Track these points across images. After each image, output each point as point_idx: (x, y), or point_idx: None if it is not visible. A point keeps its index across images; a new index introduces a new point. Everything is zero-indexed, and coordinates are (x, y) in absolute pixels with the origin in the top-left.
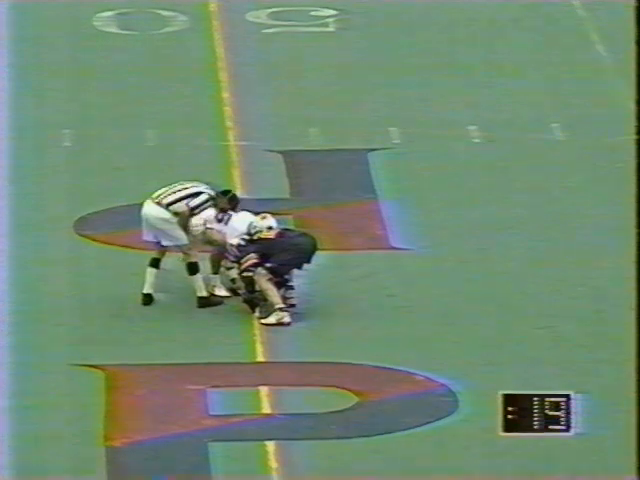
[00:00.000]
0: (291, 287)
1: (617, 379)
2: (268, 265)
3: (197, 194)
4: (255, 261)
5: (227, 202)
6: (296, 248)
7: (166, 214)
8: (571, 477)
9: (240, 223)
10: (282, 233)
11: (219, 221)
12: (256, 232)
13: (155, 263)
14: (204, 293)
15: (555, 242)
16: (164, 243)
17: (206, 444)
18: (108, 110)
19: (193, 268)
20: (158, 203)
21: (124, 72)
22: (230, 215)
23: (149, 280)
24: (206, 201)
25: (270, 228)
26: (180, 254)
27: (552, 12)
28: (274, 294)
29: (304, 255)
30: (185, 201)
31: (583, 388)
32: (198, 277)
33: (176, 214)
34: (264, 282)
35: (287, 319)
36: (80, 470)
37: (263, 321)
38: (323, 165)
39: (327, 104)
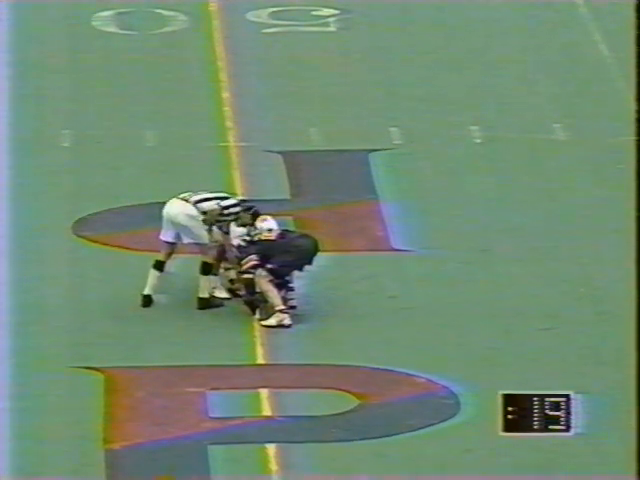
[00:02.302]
0: (291, 289)
1: (617, 379)
2: (269, 266)
3: (226, 198)
4: (255, 262)
5: (250, 217)
6: (297, 249)
7: (193, 211)
8: (571, 477)
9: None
10: (283, 234)
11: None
12: (256, 234)
13: (159, 266)
14: (206, 295)
15: (556, 243)
16: (185, 240)
17: (206, 447)
18: (108, 110)
19: (206, 268)
20: (185, 200)
21: (124, 72)
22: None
23: (150, 282)
24: (237, 204)
25: (270, 230)
26: (191, 255)
27: (554, 11)
28: (274, 296)
29: (305, 256)
30: (215, 201)
31: (583, 388)
32: (207, 279)
33: (204, 213)
34: (264, 283)
35: (287, 321)
36: (79, 473)
37: (263, 323)
38: (323, 165)
39: (327, 104)
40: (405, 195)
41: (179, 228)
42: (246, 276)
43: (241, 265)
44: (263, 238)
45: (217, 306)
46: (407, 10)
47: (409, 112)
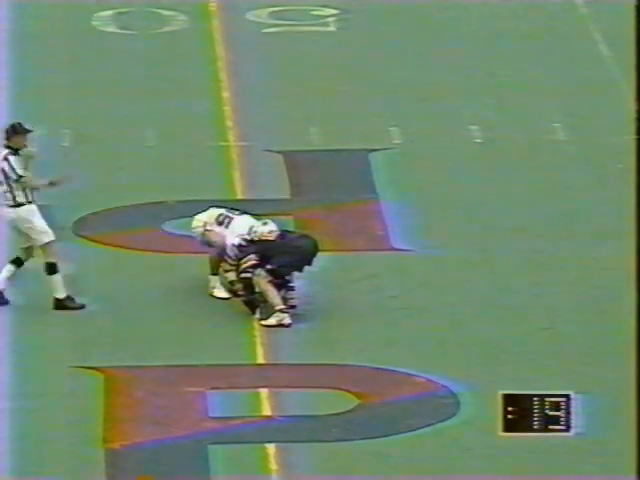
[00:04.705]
0: (292, 288)
1: (617, 379)
2: (268, 267)
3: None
4: (254, 262)
5: (19, 138)
6: (297, 250)
7: (21, 212)
8: (571, 477)
9: (241, 227)
10: (283, 235)
11: (219, 224)
12: (256, 235)
13: (52, 268)
14: (61, 295)
15: (556, 242)
16: (37, 244)
17: (206, 446)
18: (108, 110)
19: (52, 268)
20: (16, 205)
21: (124, 72)
22: (231, 218)
23: (56, 286)
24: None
25: (270, 232)
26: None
27: (554, 11)
28: (274, 295)
29: (305, 257)
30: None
31: (583, 388)
32: (57, 277)
33: (20, 205)
34: (264, 284)
35: (287, 320)
36: (79, 472)
37: (263, 322)
38: (323, 165)
39: (327, 104)
40: (405, 195)
41: (24, 232)
42: (245, 275)
43: (240, 265)
44: (263, 238)
45: (74, 308)
46: (407, 10)
47: (409, 112)
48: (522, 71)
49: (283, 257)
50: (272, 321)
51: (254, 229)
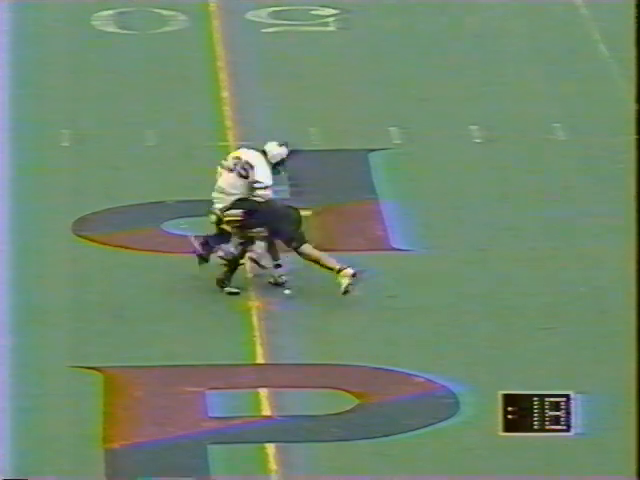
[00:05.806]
0: (279, 265)
1: (617, 379)
2: (295, 244)
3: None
4: (239, 220)
5: None
6: (289, 218)
7: None
8: (571, 477)
9: (261, 168)
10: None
11: (241, 176)
12: (277, 162)
13: None
14: None
15: (556, 242)
16: None
17: (205, 446)
18: (108, 110)
19: None
20: None
21: (124, 72)
22: (251, 165)
23: None
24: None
25: (263, 196)
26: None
27: (554, 11)
28: (327, 260)
29: (298, 225)
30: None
31: (583, 388)
32: None
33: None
34: (309, 252)
35: (352, 270)
36: (79, 473)
37: (342, 288)
38: (323, 165)
39: (327, 104)
40: (405, 195)
41: None
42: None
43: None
44: (260, 200)
45: None
46: (407, 10)
47: (409, 112)
48: (522, 71)
49: (286, 227)
50: (346, 280)
51: (273, 154)
